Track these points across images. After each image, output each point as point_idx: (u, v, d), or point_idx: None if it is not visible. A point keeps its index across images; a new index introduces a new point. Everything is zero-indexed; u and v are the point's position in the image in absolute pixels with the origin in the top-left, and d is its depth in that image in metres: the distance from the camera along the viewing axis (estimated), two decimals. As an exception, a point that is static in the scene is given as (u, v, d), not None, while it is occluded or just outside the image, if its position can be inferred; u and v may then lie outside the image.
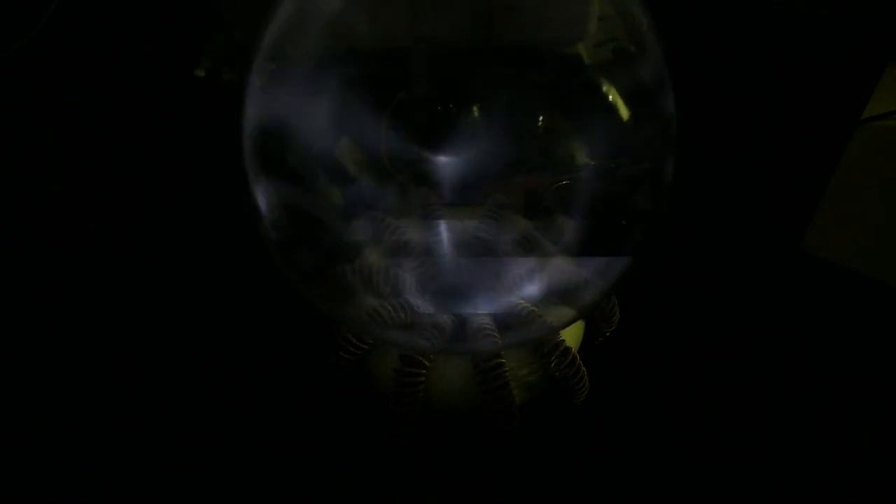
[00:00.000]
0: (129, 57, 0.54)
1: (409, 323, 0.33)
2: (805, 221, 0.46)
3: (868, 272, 0.44)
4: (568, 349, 0.34)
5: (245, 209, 0.29)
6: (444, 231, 0.35)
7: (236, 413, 0.39)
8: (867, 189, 0.47)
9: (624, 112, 0.29)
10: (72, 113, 0.53)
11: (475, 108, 0.27)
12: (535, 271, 0.33)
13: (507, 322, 0.33)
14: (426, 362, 0.33)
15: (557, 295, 0.33)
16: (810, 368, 0.41)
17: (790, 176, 0.49)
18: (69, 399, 0.40)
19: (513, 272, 0.34)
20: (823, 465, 0.37)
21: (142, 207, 0.49)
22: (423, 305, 0.34)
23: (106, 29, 0.55)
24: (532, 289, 0.33)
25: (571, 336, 0.36)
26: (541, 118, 0.31)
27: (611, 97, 0.30)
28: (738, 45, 0.53)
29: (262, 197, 0.30)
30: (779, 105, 0.51)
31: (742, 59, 0.53)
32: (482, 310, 0.34)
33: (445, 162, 0.31)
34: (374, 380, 0.36)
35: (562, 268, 0.33)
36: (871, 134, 0.48)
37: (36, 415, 0.40)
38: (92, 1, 0.55)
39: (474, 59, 0.27)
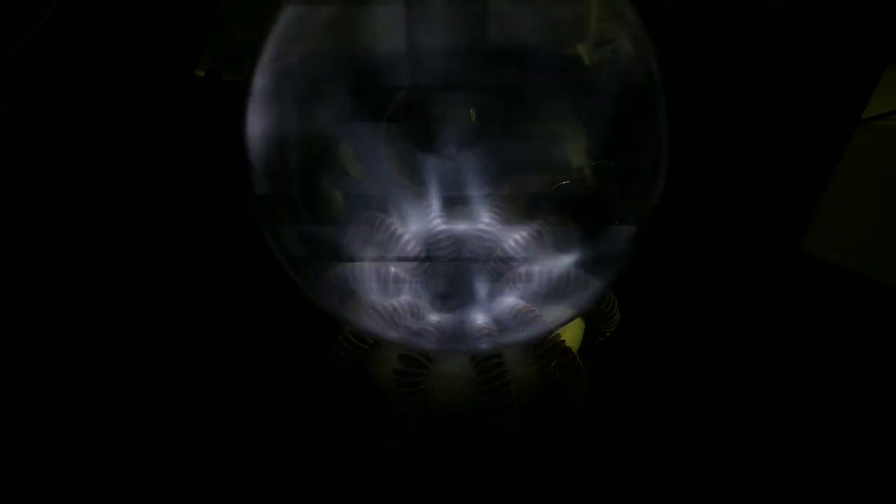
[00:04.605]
0: (129, 57, 0.54)
1: (407, 323, 0.33)
2: (805, 221, 0.46)
3: (868, 272, 0.44)
4: (567, 349, 0.34)
5: (246, 209, 0.29)
6: (444, 231, 0.35)
7: (236, 413, 0.39)
8: (867, 189, 0.47)
9: (624, 112, 0.29)
10: (72, 113, 0.53)
11: (474, 110, 0.27)
12: (534, 271, 0.34)
13: (506, 322, 0.33)
14: (426, 362, 0.33)
15: (557, 294, 0.33)
16: (810, 368, 0.41)
17: (790, 176, 0.49)
18: (67, 400, 0.40)
19: (512, 272, 0.34)
20: (823, 465, 0.37)
21: (142, 207, 0.49)
22: (422, 305, 0.34)
23: (106, 29, 0.55)
24: (532, 288, 0.33)
25: (571, 336, 0.36)
26: (540, 119, 0.31)
27: (610, 98, 0.30)
28: (737, 44, 0.53)
29: (263, 197, 0.30)
30: (779, 105, 0.51)
31: (741, 59, 0.53)
32: (482, 310, 0.34)
33: (445, 163, 0.31)
34: (374, 380, 0.36)
35: (562, 267, 0.33)
36: (871, 134, 0.48)
37: (36, 415, 0.40)
38: (92, 1, 0.55)
39: (474, 60, 0.27)
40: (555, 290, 0.33)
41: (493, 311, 0.34)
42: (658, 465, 0.38)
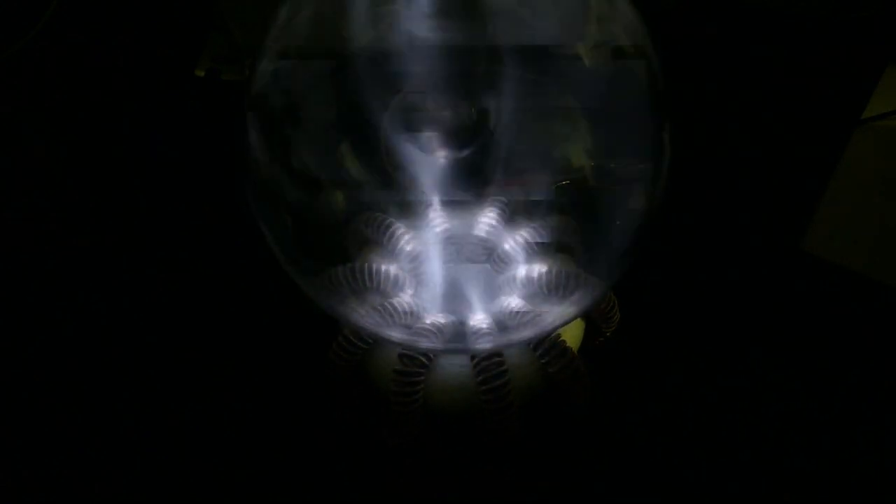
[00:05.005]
0: (129, 57, 0.54)
1: (407, 323, 0.33)
2: (805, 221, 0.46)
3: (868, 272, 0.44)
4: (567, 349, 0.34)
5: (246, 209, 0.29)
6: (444, 231, 0.35)
7: (236, 413, 0.39)
8: (867, 189, 0.47)
9: (623, 112, 0.29)
10: (72, 113, 0.53)
11: (474, 109, 0.27)
12: (534, 271, 0.33)
13: (506, 322, 0.33)
14: (426, 362, 0.33)
15: (557, 295, 0.33)
16: (810, 368, 0.41)
17: (790, 176, 0.49)
18: (67, 400, 0.40)
19: (512, 272, 0.34)
20: (823, 465, 0.37)
21: (142, 207, 0.49)
22: (422, 305, 0.34)
23: (106, 29, 0.55)
24: (531, 289, 0.33)
25: (571, 336, 0.36)
26: (540, 118, 0.31)
27: (610, 97, 0.30)
28: (738, 45, 0.53)
29: (263, 196, 0.30)
30: (779, 105, 0.51)
31: (742, 59, 0.53)
32: (482, 309, 0.34)
33: (445, 162, 0.31)
34: (373, 380, 0.36)
35: (561, 267, 0.33)
36: (871, 134, 0.48)
37: (36, 415, 0.40)
38: (92, 1, 0.55)
39: (474, 60, 0.27)
40: (554, 291, 0.33)
41: (492, 311, 0.34)
42: (658, 465, 0.38)
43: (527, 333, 0.32)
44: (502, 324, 0.33)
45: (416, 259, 0.34)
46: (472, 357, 0.33)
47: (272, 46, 0.29)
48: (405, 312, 0.33)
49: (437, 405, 0.35)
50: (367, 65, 0.28)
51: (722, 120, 0.51)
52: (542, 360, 0.34)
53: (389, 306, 0.32)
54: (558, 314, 0.32)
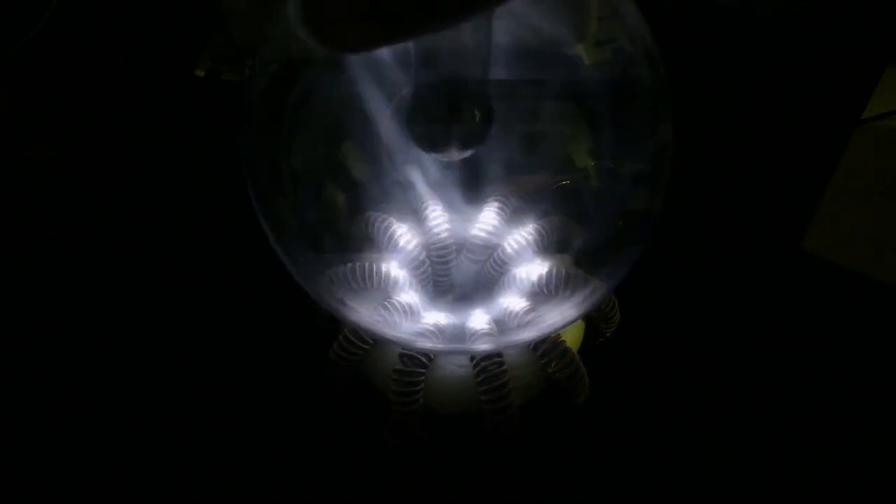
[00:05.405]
0: (129, 57, 0.54)
1: (407, 322, 0.33)
2: (805, 221, 0.46)
3: (868, 272, 0.44)
4: (567, 349, 0.34)
5: (246, 209, 0.29)
6: (445, 231, 0.35)
7: (236, 413, 0.39)
8: (867, 189, 0.47)
9: (623, 112, 0.29)
10: (72, 113, 0.53)
11: (475, 109, 0.27)
12: (534, 271, 0.33)
13: (506, 322, 0.33)
14: (426, 362, 0.33)
15: (557, 295, 0.33)
16: (810, 368, 0.41)
17: (790, 176, 0.49)
18: (67, 400, 0.40)
19: (512, 272, 0.34)
20: (824, 465, 0.37)
21: (142, 207, 0.49)
22: (422, 305, 0.34)
23: (106, 29, 0.55)
24: (532, 289, 0.33)
25: (571, 336, 0.36)
26: (541, 118, 0.31)
27: (611, 97, 0.29)
28: (738, 44, 0.53)
29: (264, 196, 0.30)
30: (779, 105, 0.51)
31: (742, 59, 0.53)
32: (482, 310, 0.34)
33: (446, 162, 0.31)
34: (373, 380, 0.36)
35: (561, 268, 0.33)
36: (871, 134, 0.48)
37: (36, 415, 0.40)
38: (92, 1, 0.55)
39: (474, 60, 0.27)
40: (555, 291, 0.33)
41: (493, 311, 0.34)
42: (658, 465, 0.38)
43: (527, 335, 0.32)
44: (502, 324, 0.33)
45: (416, 259, 0.34)
46: (472, 357, 0.33)
47: (273, 45, 0.29)
48: (405, 312, 0.33)
49: (437, 405, 0.35)
50: (368, 64, 0.28)
51: (722, 120, 0.51)
52: (542, 361, 0.34)
53: (389, 306, 0.32)
54: (559, 315, 0.32)
